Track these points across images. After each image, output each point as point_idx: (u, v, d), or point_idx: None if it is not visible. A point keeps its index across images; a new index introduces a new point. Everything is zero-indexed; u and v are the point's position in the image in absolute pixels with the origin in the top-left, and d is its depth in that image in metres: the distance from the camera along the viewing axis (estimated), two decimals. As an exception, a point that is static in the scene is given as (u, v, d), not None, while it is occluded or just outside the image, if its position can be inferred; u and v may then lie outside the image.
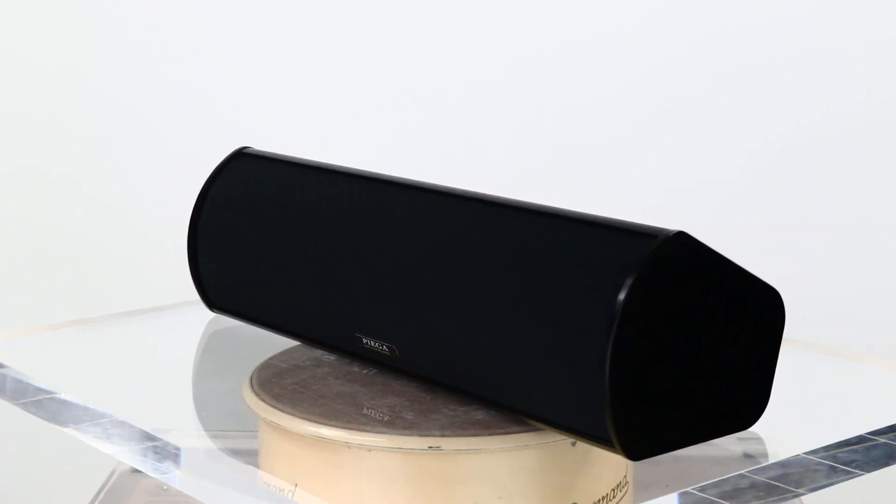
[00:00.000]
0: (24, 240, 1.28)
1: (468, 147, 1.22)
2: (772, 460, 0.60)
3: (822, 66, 1.15)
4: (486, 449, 0.59)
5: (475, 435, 0.59)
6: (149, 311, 0.86)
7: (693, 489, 0.56)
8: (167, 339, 0.84)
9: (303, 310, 0.68)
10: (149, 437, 0.63)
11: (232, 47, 1.24)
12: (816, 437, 0.61)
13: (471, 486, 0.59)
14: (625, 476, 0.63)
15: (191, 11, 1.24)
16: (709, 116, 1.17)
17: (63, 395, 0.68)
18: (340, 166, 0.70)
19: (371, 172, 0.69)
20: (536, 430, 0.59)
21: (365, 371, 0.67)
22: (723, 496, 0.56)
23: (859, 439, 0.61)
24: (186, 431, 0.69)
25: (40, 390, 0.69)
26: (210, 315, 0.77)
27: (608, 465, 0.62)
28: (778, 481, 0.57)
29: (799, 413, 0.68)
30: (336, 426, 0.60)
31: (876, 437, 0.62)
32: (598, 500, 0.62)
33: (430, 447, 0.59)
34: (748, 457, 0.65)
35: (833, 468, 0.59)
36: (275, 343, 0.72)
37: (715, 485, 0.56)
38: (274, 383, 0.66)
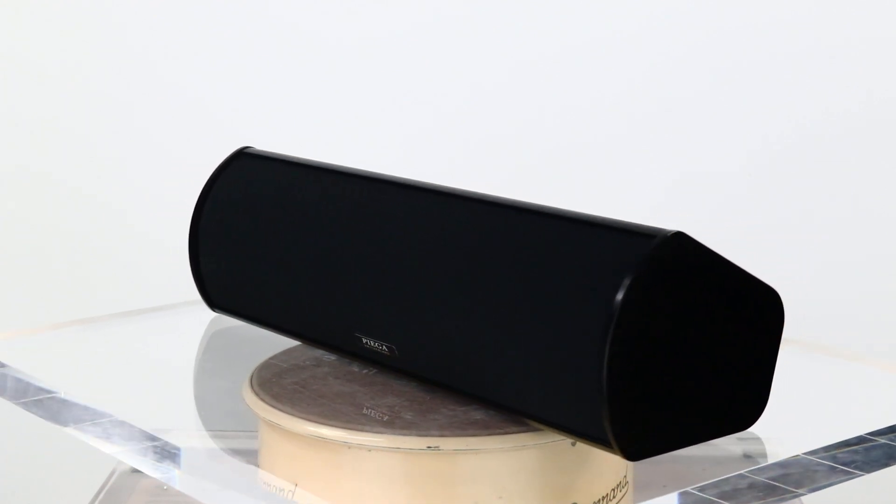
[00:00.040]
0: (24, 240, 1.28)
1: (468, 147, 1.22)
2: (772, 461, 0.60)
3: (822, 66, 1.15)
4: (485, 449, 0.59)
5: (474, 435, 0.59)
6: (150, 310, 0.86)
7: (693, 489, 0.56)
8: (168, 338, 0.84)
9: (303, 309, 0.68)
10: (149, 437, 0.63)
11: (232, 47, 1.24)
12: (816, 437, 0.61)
13: (471, 486, 0.59)
14: (625, 476, 0.63)
15: (191, 11, 1.24)
16: (709, 116, 1.17)
17: (64, 395, 0.68)
18: (341, 166, 0.70)
19: (372, 172, 0.69)
20: (535, 430, 0.59)
21: (365, 371, 0.67)
22: (722, 496, 0.56)
23: (859, 440, 0.61)
24: (187, 431, 0.69)
25: (41, 390, 0.69)
26: (211, 315, 0.77)
27: (608, 465, 0.62)
28: (778, 482, 0.57)
29: (799, 413, 0.68)
30: (335, 426, 0.60)
31: (876, 438, 0.62)
32: (598, 500, 0.62)
33: (428, 447, 0.59)
34: (748, 457, 0.65)
35: (833, 469, 0.59)
36: (276, 343, 0.72)
37: (715, 485, 0.56)
38: (274, 383, 0.66)
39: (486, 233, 0.60)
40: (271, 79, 1.24)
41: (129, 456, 0.62)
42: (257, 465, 0.65)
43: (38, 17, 1.24)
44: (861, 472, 0.58)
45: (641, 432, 0.54)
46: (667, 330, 0.54)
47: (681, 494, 0.56)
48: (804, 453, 0.60)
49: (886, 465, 0.60)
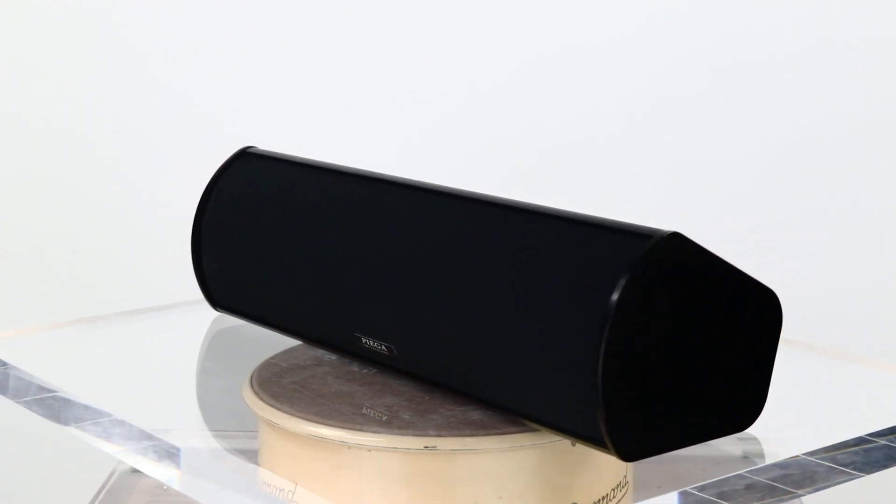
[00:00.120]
0: (25, 239, 1.28)
1: (468, 147, 1.22)
2: (771, 461, 0.60)
3: (822, 66, 1.15)
4: (483, 449, 0.59)
5: (471, 435, 0.59)
6: (152, 310, 0.86)
7: (692, 489, 0.56)
8: (170, 338, 0.84)
9: (304, 309, 0.68)
10: (149, 437, 0.63)
11: (232, 48, 1.24)
12: (816, 438, 0.61)
13: (470, 486, 0.59)
14: (625, 476, 0.63)
15: (191, 11, 1.24)
16: (709, 117, 1.17)
17: (65, 394, 0.68)
18: (343, 166, 0.70)
19: (373, 172, 0.69)
20: (533, 430, 0.59)
21: (365, 371, 0.67)
22: (722, 496, 0.56)
23: (859, 441, 0.61)
24: (187, 431, 0.69)
25: (42, 389, 0.69)
26: (214, 314, 0.77)
27: (608, 465, 0.62)
28: (777, 482, 0.57)
29: (799, 414, 0.68)
30: (333, 426, 0.60)
31: (876, 439, 0.62)
32: (598, 500, 0.62)
33: (425, 447, 0.59)
34: (748, 458, 0.65)
35: (833, 469, 0.59)
36: (277, 342, 0.72)
37: (714, 485, 0.56)
38: (273, 382, 0.66)
39: (483, 233, 0.60)
40: (271, 79, 1.24)
41: (130, 456, 0.62)
42: (257, 465, 0.65)
43: (38, 17, 1.25)
44: (861, 474, 0.58)
45: (637, 433, 0.54)
46: (663, 330, 0.54)
47: (680, 494, 0.56)
48: (804, 454, 0.60)
49: (886, 466, 0.60)
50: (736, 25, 1.16)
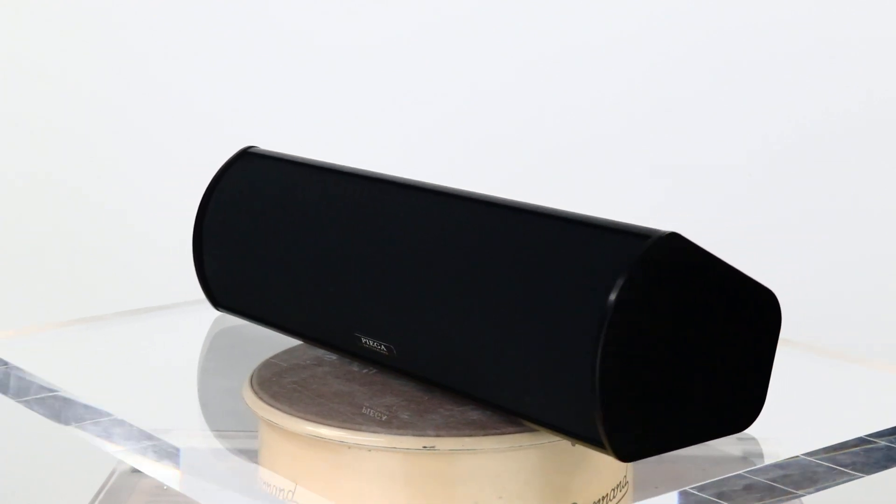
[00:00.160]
0: (26, 239, 1.28)
1: (468, 147, 1.22)
2: (771, 461, 0.60)
3: (822, 66, 1.15)
4: (482, 449, 0.59)
5: (469, 435, 0.59)
6: (154, 309, 0.86)
7: (693, 489, 0.56)
8: (171, 337, 0.84)
9: (304, 309, 0.68)
10: (149, 437, 0.63)
11: (232, 48, 1.24)
12: (816, 438, 0.61)
13: (470, 486, 0.59)
14: (625, 476, 0.63)
15: (191, 11, 1.24)
16: (708, 117, 1.17)
17: (65, 394, 0.68)
18: (345, 166, 0.70)
19: (373, 172, 0.69)
20: (531, 430, 0.59)
21: (365, 371, 0.67)
22: (722, 496, 0.56)
23: (859, 441, 0.61)
24: (188, 431, 0.69)
25: (43, 388, 0.69)
26: (214, 314, 0.77)
27: (608, 465, 0.62)
28: (777, 482, 0.57)
29: (799, 414, 0.68)
30: (332, 425, 0.60)
31: (876, 440, 0.62)
32: (598, 500, 0.62)
33: (423, 447, 0.59)
34: (747, 458, 0.65)
35: (833, 470, 0.59)
36: (279, 342, 0.72)
37: (714, 485, 0.56)
38: (273, 382, 0.66)
39: (481, 233, 0.60)
40: (271, 79, 1.24)
41: (130, 456, 0.62)
42: (257, 465, 0.65)
43: (38, 17, 1.25)
44: (861, 475, 0.58)
45: (635, 433, 0.54)
46: (661, 331, 0.54)
47: (680, 494, 0.56)
48: (804, 454, 0.60)
49: (886, 467, 0.60)
50: (736, 25, 1.16)
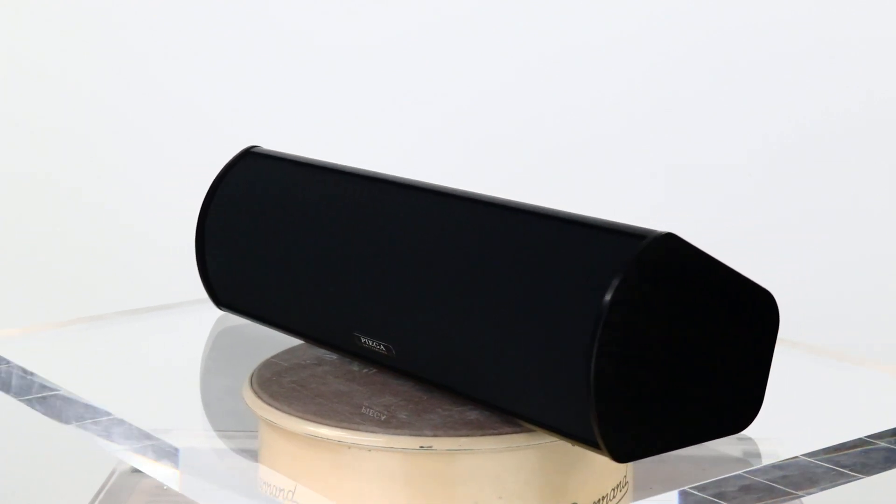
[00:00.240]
0: (28, 239, 1.28)
1: (468, 147, 1.22)
2: (771, 462, 0.60)
3: (822, 66, 1.15)
4: (479, 449, 0.59)
5: (467, 435, 0.59)
6: (156, 308, 0.86)
7: (693, 489, 0.56)
8: (173, 337, 0.84)
9: (304, 308, 0.68)
10: (149, 437, 0.63)
11: (232, 48, 1.24)
12: (816, 439, 0.61)
13: (470, 486, 0.59)
14: (625, 476, 0.63)
15: (191, 11, 1.24)
16: (708, 117, 1.17)
17: (66, 393, 0.68)
18: (346, 166, 0.70)
19: (374, 172, 0.69)
20: (529, 430, 0.59)
21: (364, 370, 0.67)
22: (721, 497, 0.56)
23: (859, 442, 0.61)
24: (189, 430, 0.69)
25: (44, 387, 0.69)
26: (217, 313, 0.77)
27: (608, 465, 0.62)
28: (777, 483, 0.57)
29: (798, 415, 0.68)
30: (330, 425, 0.60)
31: (876, 441, 0.62)
32: (598, 500, 0.62)
33: (421, 447, 0.59)
34: (747, 458, 0.65)
35: (833, 471, 0.59)
36: (280, 342, 0.72)
37: (714, 485, 0.56)
38: (273, 382, 0.66)
39: (479, 233, 0.60)
40: (271, 79, 1.24)
41: (130, 455, 0.62)
42: (257, 465, 0.65)
43: (38, 17, 1.25)
44: (861, 475, 0.58)
45: (631, 434, 0.54)
46: (657, 331, 0.54)
47: (680, 494, 0.56)
48: (804, 455, 0.60)
49: (886, 468, 0.60)
50: (736, 25, 1.16)
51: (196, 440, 0.68)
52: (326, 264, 0.66)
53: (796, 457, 0.60)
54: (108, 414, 0.66)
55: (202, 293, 0.76)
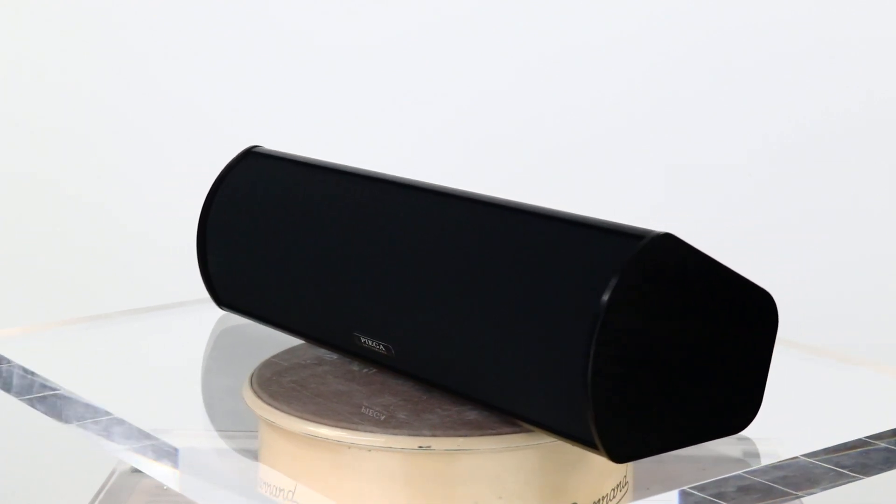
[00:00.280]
0: (29, 239, 1.28)
1: (468, 147, 1.22)
2: (771, 462, 0.60)
3: (822, 66, 1.15)
4: (478, 449, 0.59)
5: (465, 435, 0.59)
6: (155, 308, 0.86)
7: (692, 489, 0.56)
8: (173, 337, 0.84)
9: (305, 308, 0.68)
10: (149, 436, 0.63)
11: (232, 48, 1.24)
12: (816, 439, 0.61)
13: (470, 486, 0.59)
14: (624, 476, 0.63)
15: (191, 12, 1.24)
16: (708, 117, 1.17)
17: (67, 392, 0.68)
18: (347, 166, 0.71)
19: (374, 172, 0.69)
20: (527, 430, 0.59)
21: (364, 370, 0.67)
22: (721, 497, 0.56)
23: (859, 443, 0.61)
24: (189, 430, 0.69)
25: (45, 387, 0.69)
26: (218, 313, 0.77)
27: (608, 465, 0.62)
28: (777, 483, 0.57)
29: (798, 415, 0.68)
30: (329, 425, 0.60)
31: (876, 441, 0.62)
32: (598, 500, 0.62)
33: (419, 447, 0.59)
34: (747, 458, 0.65)
35: (833, 471, 0.59)
36: (281, 342, 0.72)
37: (714, 485, 0.56)
38: (273, 381, 0.66)
39: (478, 233, 0.60)
40: (271, 79, 1.24)
41: (130, 455, 0.62)
42: (257, 465, 0.65)
43: (38, 17, 1.25)
44: (861, 476, 0.58)
45: (628, 434, 0.54)
46: (655, 332, 0.54)
47: (680, 494, 0.56)
48: (803, 455, 0.60)
49: (886, 469, 0.60)
50: (736, 25, 1.16)
51: (196, 440, 0.68)
52: (327, 264, 0.66)
53: (796, 457, 0.60)
54: (108, 414, 0.66)
55: (203, 293, 0.76)
